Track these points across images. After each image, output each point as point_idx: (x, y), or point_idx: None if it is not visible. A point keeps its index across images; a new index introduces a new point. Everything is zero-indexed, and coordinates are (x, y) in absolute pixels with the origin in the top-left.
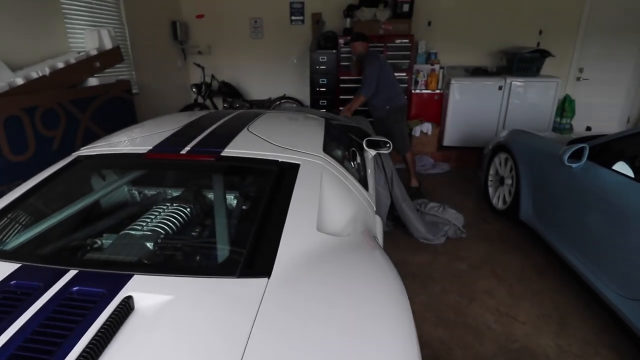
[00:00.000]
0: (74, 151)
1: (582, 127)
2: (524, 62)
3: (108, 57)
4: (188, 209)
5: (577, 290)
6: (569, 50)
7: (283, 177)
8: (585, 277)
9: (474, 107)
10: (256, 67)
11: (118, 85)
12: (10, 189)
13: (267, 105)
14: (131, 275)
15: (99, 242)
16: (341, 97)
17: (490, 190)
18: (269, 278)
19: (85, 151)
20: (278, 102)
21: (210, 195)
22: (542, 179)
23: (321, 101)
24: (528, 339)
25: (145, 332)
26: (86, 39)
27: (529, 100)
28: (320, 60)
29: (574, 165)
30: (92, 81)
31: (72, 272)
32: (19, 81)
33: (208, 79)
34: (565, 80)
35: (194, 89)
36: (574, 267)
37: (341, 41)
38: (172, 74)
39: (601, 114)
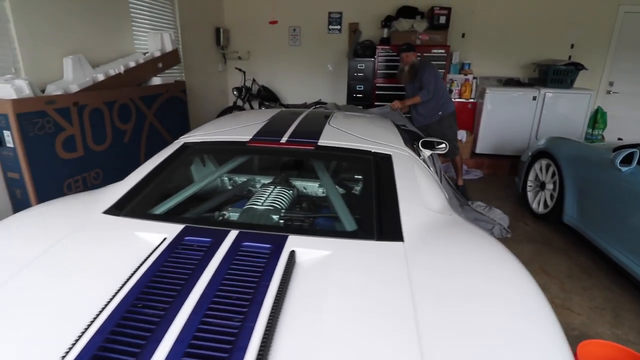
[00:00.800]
0: (141, 145)
1: (613, 138)
2: (558, 74)
3: (169, 59)
4: (291, 189)
5: (629, 288)
6: (599, 64)
7: (380, 164)
8: (636, 275)
9: (507, 116)
10: (293, 72)
11: (176, 86)
12: (91, 177)
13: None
14: (286, 236)
15: (227, 213)
16: (376, 103)
17: (530, 195)
18: (403, 242)
19: (189, 138)
20: (315, 106)
21: (308, 178)
22: (588, 183)
23: (358, 106)
24: (585, 328)
25: (312, 278)
26: (149, 41)
27: (561, 112)
28: (358, 67)
29: (624, 169)
30: (156, 80)
31: (233, 232)
32: (100, 77)
33: (248, 83)
34: (595, 92)
35: (234, 92)
36: (624, 265)
37: (379, 50)
38: (213, 77)
39: (631, 126)
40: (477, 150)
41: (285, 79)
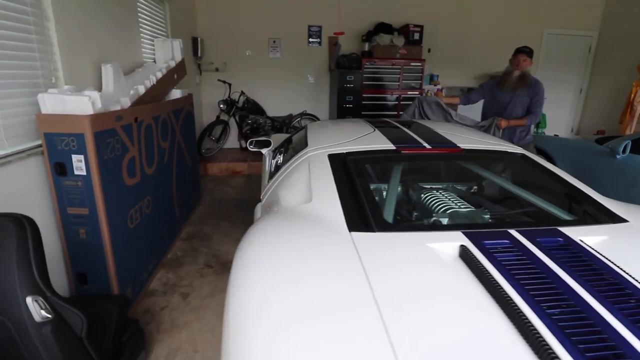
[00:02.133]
0: (173, 165)
1: (550, 134)
2: None
3: (180, 70)
4: (461, 190)
5: None
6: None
7: (527, 161)
8: None
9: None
10: (273, 84)
11: (189, 99)
12: (144, 206)
13: (287, 121)
14: (555, 229)
15: (439, 217)
16: (363, 112)
17: None
18: (628, 222)
19: (319, 151)
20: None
21: (459, 181)
22: (581, 171)
23: (347, 117)
24: None
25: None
26: (157, 49)
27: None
28: (348, 79)
29: (618, 157)
30: (176, 93)
31: (512, 231)
32: (141, 89)
33: (233, 96)
34: None
35: (221, 105)
36: None
37: (365, 62)
38: (193, 90)
39: (557, 124)
40: None
41: (266, 90)
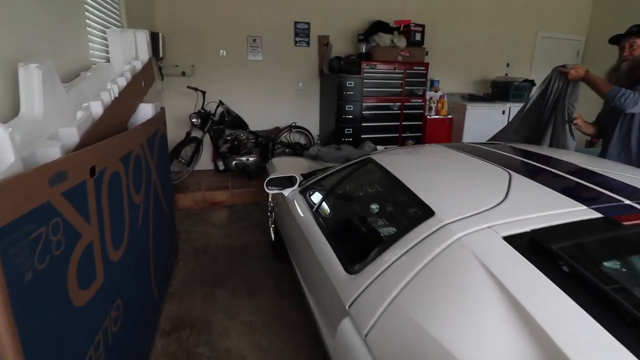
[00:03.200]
0: (149, 226)
1: None
2: (519, 90)
3: (149, 74)
4: None
5: None
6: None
7: None
8: None
9: (483, 131)
10: (254, 92)
11: (162, 116)
12: (111, 323)
13: (274, 136)
14: None
15: None
16: (364, 124)
17: None
18: None
19: (470, 230)
20: (289, 128)
21: None
22: None
23: (347, 129)
24: None
25: None
26: (113, 44)
27: None
28: (348, 85)
29: None
30: (146, 109)
31: None
32: (97, 109)
33: (209, 107)
34: None
35: (194, 120)
36: None
37: (364, 66)
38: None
39: None
40: None
41: (245, 99)
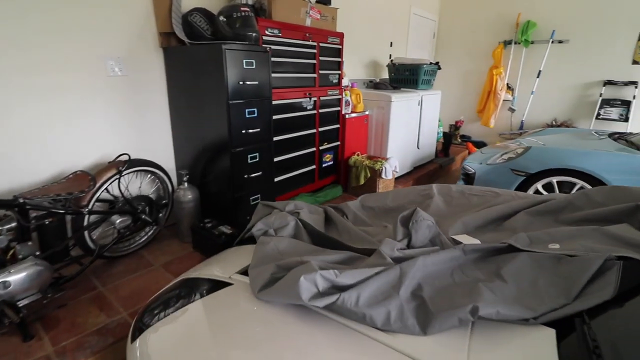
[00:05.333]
0: None
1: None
2: (428, 75)
3: None
4: None
5: None
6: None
7: None
8: None
9: (404, 125)
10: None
11: None
12: None
13: (83, 202)
14: None
15: None
16: (276, 138)
17: None
18: None
19: None
20: None
21: None
22: None
23: (250, 155)
24: None
25: None
26: None
27: (430, 112)
28: (246, 66)
29: None
30: None
31: None
32: None
33: None
34: None
35: None
36: None
37: (262, 26)
38: None
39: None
40: (398, 175)
41: None
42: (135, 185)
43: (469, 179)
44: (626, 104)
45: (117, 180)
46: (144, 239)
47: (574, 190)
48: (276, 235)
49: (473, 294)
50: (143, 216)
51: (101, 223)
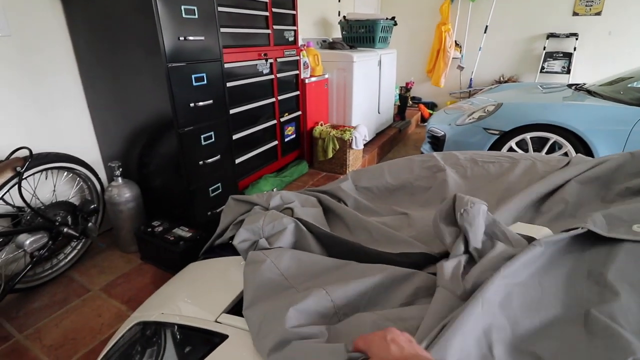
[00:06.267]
0: None
1: None
2: (385, 32)
3: None
4: None
5: None
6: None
7: None
8: None
9: (366, 88)
10: None
11: None
12: None
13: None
14: None
15: None
16: (231, 111)
17: None
18: None
19: None
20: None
21: None
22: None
23: (205, 135)
24: None
25: None
26: None
27: (388, 73)
28: (186, 14)
29: None
30: None
31: None
32: None
33: None
34: None
35: None
36: None
37: None
38: None
39: None
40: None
41: None
42: (47, 188)
43: (438, 142)
44: (567, 56)
45: (16, 185)
46: (71, 255)
47: (546, 146)
48: (270, 246)
49: (606, 339)
50: (65, 229)
51: (2, 247)
